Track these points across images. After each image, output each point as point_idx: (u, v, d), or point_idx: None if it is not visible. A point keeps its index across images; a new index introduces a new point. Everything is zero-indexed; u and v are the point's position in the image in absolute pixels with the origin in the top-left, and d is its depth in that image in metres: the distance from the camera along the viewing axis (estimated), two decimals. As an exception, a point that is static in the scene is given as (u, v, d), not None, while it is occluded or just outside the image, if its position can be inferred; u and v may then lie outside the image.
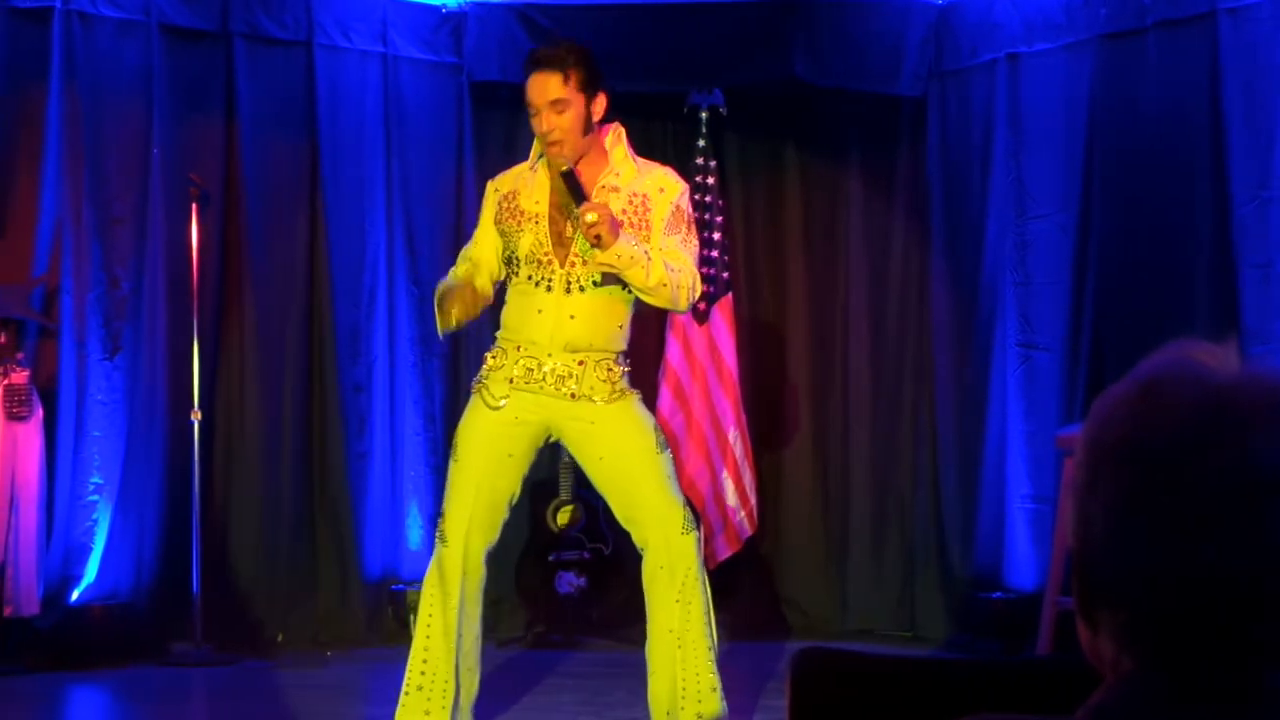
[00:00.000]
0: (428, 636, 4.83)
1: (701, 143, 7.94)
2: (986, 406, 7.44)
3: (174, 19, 7.33)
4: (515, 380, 4.77)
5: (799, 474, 8.30)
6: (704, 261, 7.85)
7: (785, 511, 8.28)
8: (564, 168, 4.66)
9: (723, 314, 7.92)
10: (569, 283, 4.73)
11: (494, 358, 4.84)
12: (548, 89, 4.69)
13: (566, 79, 4.69)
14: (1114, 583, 1.30)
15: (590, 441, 4.80)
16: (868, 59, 7.82)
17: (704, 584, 4.78)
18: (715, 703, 4.74)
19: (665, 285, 4.67)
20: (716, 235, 7.96)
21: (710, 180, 7.96)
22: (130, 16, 7.22)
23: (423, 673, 4.82)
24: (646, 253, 4.64)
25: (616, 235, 4.55)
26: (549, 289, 4.75)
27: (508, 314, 4.88)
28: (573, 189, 4.63)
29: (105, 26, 7.19)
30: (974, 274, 7.56)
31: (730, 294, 7.98)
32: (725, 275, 7.98)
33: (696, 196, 7.91)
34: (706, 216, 7.94)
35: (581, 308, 4.75)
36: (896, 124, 8.02)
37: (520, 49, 7.69)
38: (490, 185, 5.05)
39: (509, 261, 4.86)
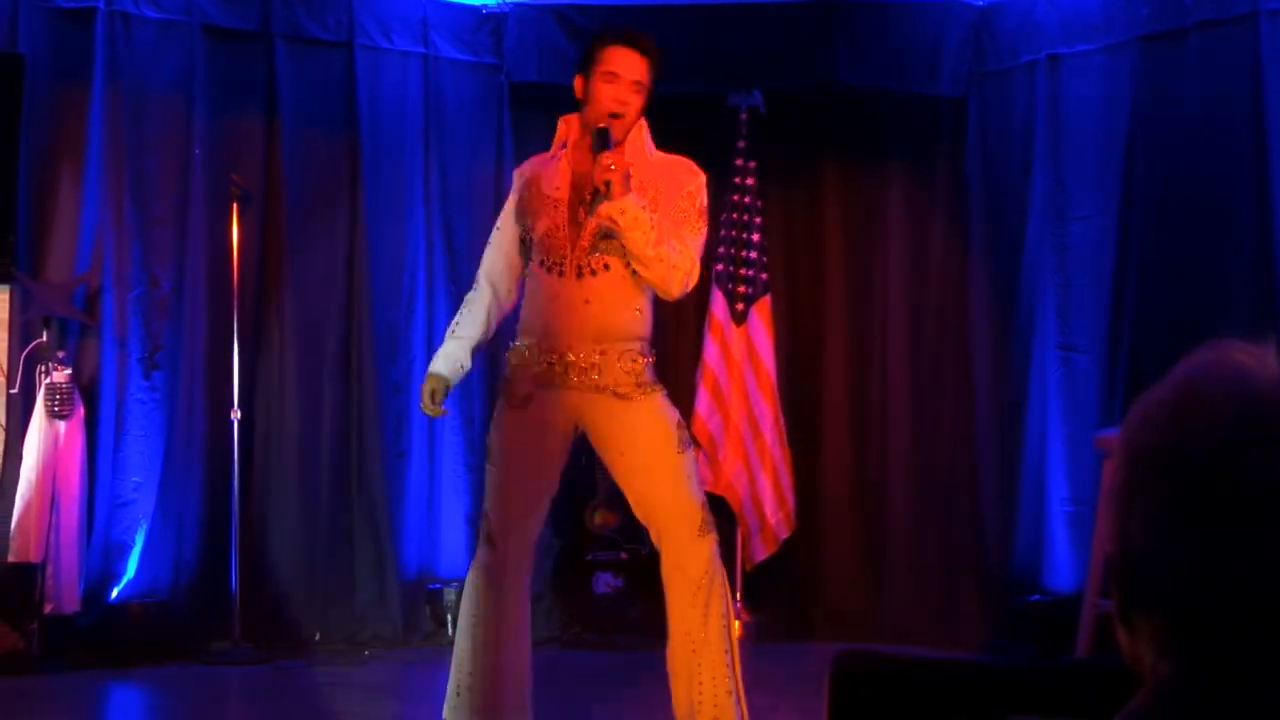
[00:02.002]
0: (473, 637, 4.81)
1: (741, 144, 7.94)
2: (1025, 408, 7.41)
3: (216, 20, 7.37)
4: (539, 377, 4.74)
5: (837, 476, 8.27)
6: (743, 263, 7.88)
7: (823, 513, 8.25)
8: (599, 125, 4.61)
9: (761, 315, 7.91)
10: (580, 267, 4.66)
11: (516, 355, 4.81)
12: (638, 68, 4.69)
13: (651, 70, 4.70)
14: (1152, 588, 1.29)
15: (612, 436, 4.75)
16: (908, 60, 7.80)
17: (723, 587, 4.72)
18: (731, 708, 4.69)
19: (662, 261, 4.54)
20: (755, 236, 7.95)
21: (749, 181, 7.96)
22: (172, 17, 7.27)
23: (470, 673, 4.80)
24: (654, 221, 4.54)
25: (626, 192, 4.50)
26: (560, 274, 4.68)
27: (525, 307, 4.84)
28: (605, 142, 4.59)
29: (147, 27, 7.23)
30: (1013, 275, 7.53)
31: (768, 295, 7.97)
32: (764, 277, 7.97)
33: (735, 197, 7.91)
34: (745, 218, 7.94)
35: (595, 292, 4.67)
36: (936, 125, 8.00)
37: (560, 50, 7.72)
38: (516, 173, 5.05)
39: (523, 244, 4.82)
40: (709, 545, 4.69)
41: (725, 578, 4.75)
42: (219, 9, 7.38)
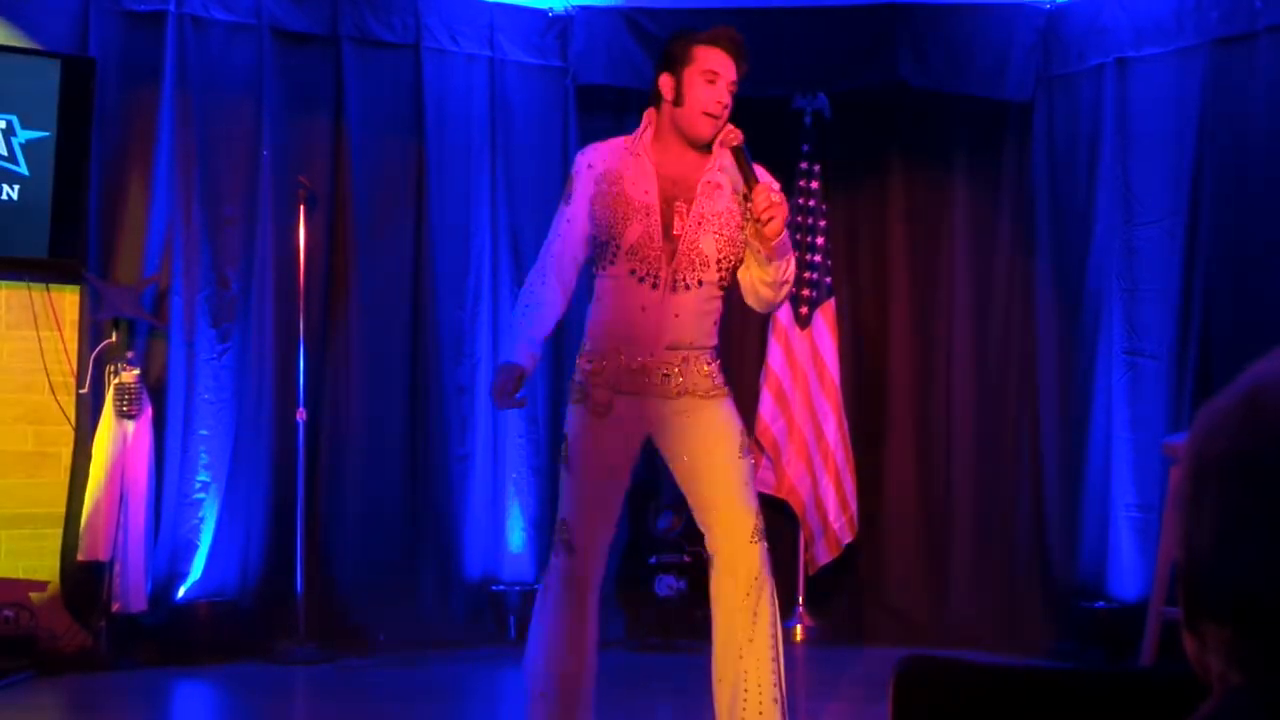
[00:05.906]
0: (551, 643, 4.76)
1: (805, 147, 7.93)
2: (1091, 414, 7.37)
3: (284, 22, 7.43)
4: (617, 382, 4.71)
5: (900, 480, 8.25)
6: (806, 266, 7.87)
7: (886, 517, 8.23)
8: (735, 143, 4.59)
9: (825, 319, 7.90)
10: (675, 280, 4.60)
11: (592, 361, 4.71)
12: (735, 69, 4.65)
13: (744, 71, 4.68)
14: (1220, 597, 1.28)
15: (679, 439, 4.72)
16: (974, 63, 7.77)
17: (772, 594, 4.69)
18: (776, 715, 4.67)
19: (787, 283, 4.64)
20: (820, 240, 7.94)
21: (814, 184, 7.95)
22: (241, 20, 7.33)
23: (549, 678, 4.75)
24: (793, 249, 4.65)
25: (783, 229, 4.54)
26: (655, 285, 4.60)
27: (604, 310, 4.71)
28: (744, 165, 4.55)
29: (217, 30, 7.29)
30: (1079, 280, 7.49)
31: (833, 299, 7.96)
32: (828, 280, 7.96)
33: (800, 200, 7.90)
34: (809, 221, 7.93)
35: (686, 305, 4.63)
36: (1002, 128, 7.97)
37: (626, 52, 7.73)
38: (582, 160, 4.79)
39: (603, 247, 4.67)
40: (760, 551, 4.66)
41: (773, 586, 4.72)
42: (287, 12, 7.43)
